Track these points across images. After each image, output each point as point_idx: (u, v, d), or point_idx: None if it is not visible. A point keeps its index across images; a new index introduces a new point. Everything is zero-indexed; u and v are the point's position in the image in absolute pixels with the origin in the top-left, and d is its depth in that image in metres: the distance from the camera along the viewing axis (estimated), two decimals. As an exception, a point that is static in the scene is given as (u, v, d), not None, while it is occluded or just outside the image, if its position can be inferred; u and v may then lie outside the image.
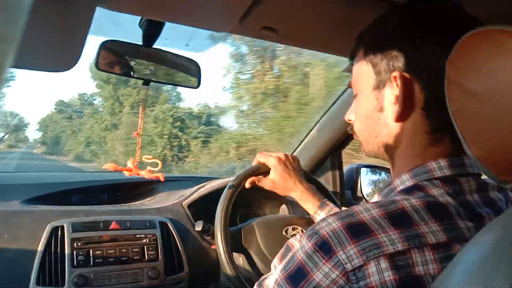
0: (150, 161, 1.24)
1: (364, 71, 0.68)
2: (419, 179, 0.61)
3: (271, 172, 1.14)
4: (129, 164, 1.23)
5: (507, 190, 0.65)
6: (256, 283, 0.64)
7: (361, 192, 1.71)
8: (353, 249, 0.51)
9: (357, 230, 0.53)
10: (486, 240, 0.43)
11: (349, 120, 0.77)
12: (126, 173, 1.20)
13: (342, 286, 0.51)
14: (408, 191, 0.60)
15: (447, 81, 0.52)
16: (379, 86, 0.65)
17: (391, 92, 0.63)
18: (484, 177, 0.61)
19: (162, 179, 1.41)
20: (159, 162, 1.27)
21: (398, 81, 0.61)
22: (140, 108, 1.15)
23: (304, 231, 1.17)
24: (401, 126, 0.64)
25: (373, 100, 0.66)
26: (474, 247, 0.44)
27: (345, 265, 0.51)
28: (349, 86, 0.74)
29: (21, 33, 0.17)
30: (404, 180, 0.62)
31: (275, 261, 0.63)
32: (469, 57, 0.50)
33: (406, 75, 0.61)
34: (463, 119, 0.50)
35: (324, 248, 0.53)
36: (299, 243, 0.57)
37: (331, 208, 1.10)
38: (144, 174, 1.29)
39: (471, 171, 0.61)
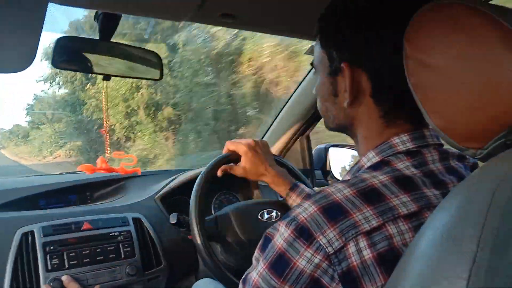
0: (124, 158, 1.21)
1: (320, 56, 0.70)
2: (385, 155, 0.63)
3: (242, 159, 1.15)
4: (99, 163, 1.20)
5: (466, 158, 0.69)
6: (240, 281, 0.63)
7: (331, 171, 1.75)
8: (332, 232, 0.52)
9: (333, 212, 0.54)
10: (451, 205, 0.45)
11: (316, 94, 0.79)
12: (103, 172, 1.18)
13: (325, 269, 0.52)
14: (375, 167, 0.62)
15: (404, 56, 0.54)
16: (333, 73, 0.68)
17: (342, 80, 0.66)
18: (445, 147, 0.65)
19: (139, 173, 1.39)
20: (134, 157, 1.24)
21: (346, 71, 0.64)
22: (103, 103, 1.12)
23: (279, 215, 1.19)
24: (355, 111, 0.67)
25: (328, 85, 0.69)
26: (441, 213, 0.46)
27: (326, 249, 0.52)
28: (311, 65, 0.75)
29: None
30: (371, 158, 0.65)
31: (256, 252, 0.62)
32: (424, 32, 0.51)
33: (353, 65, 0.64)
34: (423, 91, 0.52)
35: (304, 234, 0.54)
36: (277, 232, 0.58)
37: (302, 189, 1.12)
38: (119, 170, 1.27)
39: (431, 142, 0.64)
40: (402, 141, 0.63)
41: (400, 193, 0.56)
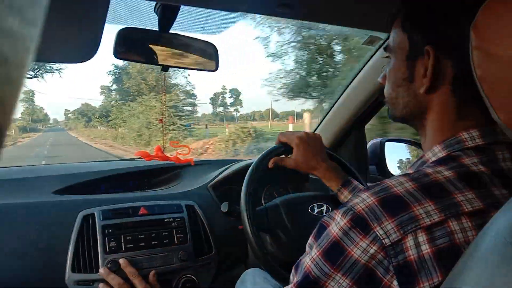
0: (180, 149, 1.25)
1: (400, 39, 0.67)
2: (452, 150, 0.60)
3: (294, 151, 1.14)
4: (155, 150, 1.25)
5: None
6: (293, 266, 0.63)
7: (387, 167, 1.69)
8: (390, 224, 0.51)
9: (393, 205, 0.53)
10: None
11: (381, 82, 0.76)
12: (159, 159, 1.23)
13: (380, 261, 0.51)
14: (440, 162, 0.59)
15: (471, 47, 0.51)
16: (412, 57, 0.65)
17: (422, 65, 0.63)
18: None
19: (192, 163, 1.43)
20: (188, 148, 1.28)
21: (430, 55, 0.61)
22: (162, 94, 1.16)
23: (330, 209, 1.17)
24: (430, 99, 0.64)
25: (405, 69, 0.66)
26: (505, 215, 0.43)
27: (383, 240, 0.51)
28: (385, 50, 0.73)
29: (44, 17, 0.17)
30: (436, 152, 0.62)
31: (310, 240, 0.62)
32: (493, 21, 0.48)
33: (439, 49, 0.61)
34: (489, 84, 0.49)
35: (360, 224, 0.53)
36: (333, 220, 0.57)
37: (355, 185, 1.10)
38: (174, 159, 1.31)
39: (504, 140, 0.60)
40: (471, 137, 0.60)
41: (465, 189, 0.54)
